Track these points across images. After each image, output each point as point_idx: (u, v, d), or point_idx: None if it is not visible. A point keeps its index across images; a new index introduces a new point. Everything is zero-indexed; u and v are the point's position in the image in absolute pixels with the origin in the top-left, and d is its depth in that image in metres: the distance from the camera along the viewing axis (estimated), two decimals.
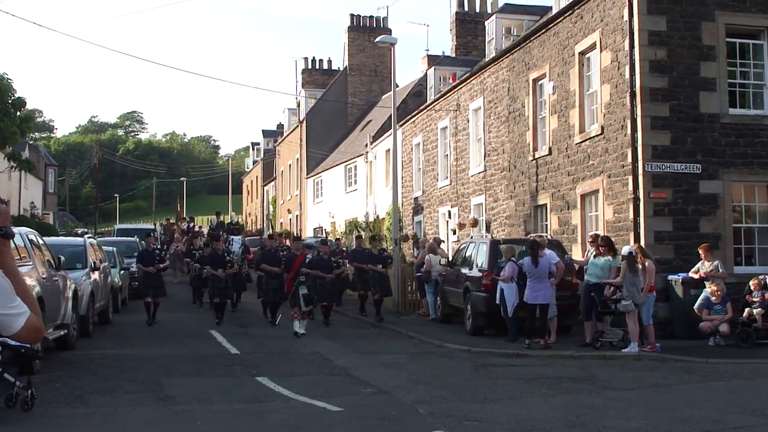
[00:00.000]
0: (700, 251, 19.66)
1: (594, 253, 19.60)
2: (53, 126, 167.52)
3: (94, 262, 21.46)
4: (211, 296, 24.60)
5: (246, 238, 36.47)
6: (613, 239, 21.23)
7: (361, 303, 26.70)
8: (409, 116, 41.45)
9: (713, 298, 19.18)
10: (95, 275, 21.16)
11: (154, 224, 57.83)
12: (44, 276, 15.66)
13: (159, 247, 26.88)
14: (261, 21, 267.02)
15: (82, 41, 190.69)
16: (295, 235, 37.26)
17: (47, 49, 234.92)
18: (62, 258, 17.72)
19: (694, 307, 19.30)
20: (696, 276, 19.58)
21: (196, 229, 42.62)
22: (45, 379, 13.52)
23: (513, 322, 19.86)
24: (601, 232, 21.66)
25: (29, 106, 33.70)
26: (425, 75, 45.94)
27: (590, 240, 20.85)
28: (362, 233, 33.43)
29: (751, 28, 21.82)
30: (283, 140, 70.92)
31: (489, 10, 43.86)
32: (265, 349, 18.81)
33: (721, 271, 19.48)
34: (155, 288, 23.47)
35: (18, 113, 33.46)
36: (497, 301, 20.00)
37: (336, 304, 25.85)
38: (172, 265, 33.97)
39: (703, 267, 19.54)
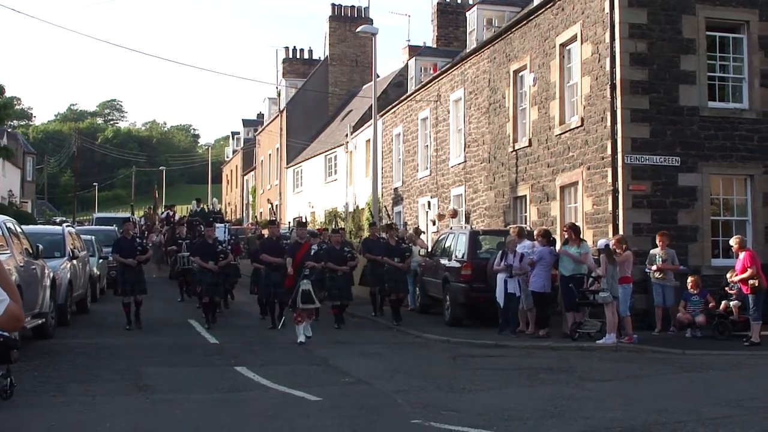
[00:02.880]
0: (658, 237, 19.74)
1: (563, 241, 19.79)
2: (32, 114, 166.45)
3: (73, 251, 21.37)
4: (199, 294, 21.24)
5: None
6: (592, 231, 21.38)
7: (374, 302, 23.76)
8: (390, 107, 41.45)
9: (690, 288, 19.31)
10: (73, 264, 21.06)
11: (132, 213, 57.04)
12: (22, 264, 15.61)
13: (139, 235, 25.13)
14: (242, 9, 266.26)
15: (61, 28, 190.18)
16: (300, 220, 32.90)
17: (26, 36, 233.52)
18: (40, 246, 17.65)
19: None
20: (654, 267, 19.62)
21: (177, 218, 40.83)
22: (23, 368, 13.48)
23: (516, 314, 19.91)
24: (579, 223, 21.78)
25: (7, 94, 33.41)
26: (406, 65, 45.93)
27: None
28: (375, 221, 30.13)
29: (731, 21, 21.92)
30: (263, 130, 70.86)
31: (470, 1, 43.92)
32: (244, 338, 18.80)
33: (675, 263, 19.65)
34: (134, 284, 20.27)
35: None
36: (508, 291, 19.70)
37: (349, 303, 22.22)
38: (153, 257, 32.46)
39: (658, 255, 19.61)
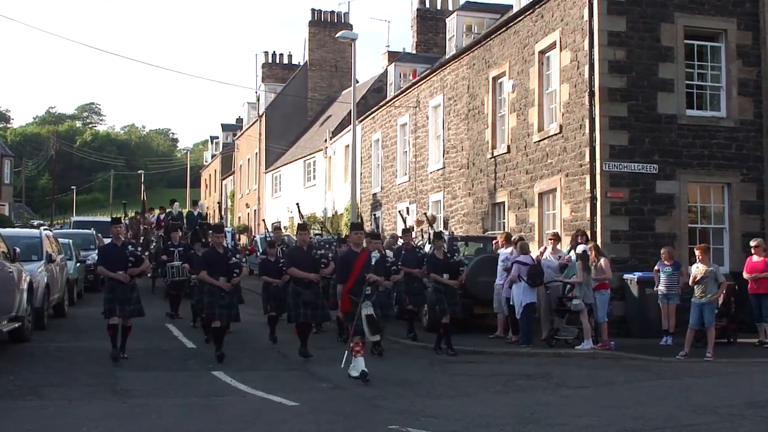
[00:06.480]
0: (698, 252, 17.68)
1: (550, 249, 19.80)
2: (9, 116, 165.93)
3: (50, 254, 21.22)
4: (206, 317, 17.05)
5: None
6: (570, 238, 21.43)
7: (411, 324, 19.99)
8: (369, 112, 41.48)
9: (665, 260, 18.94)
10: (51, 267, 20.90)
11: (111, 216, 56.06)
12: None
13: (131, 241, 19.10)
14: (222, 13, 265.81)
15: (40, 31, 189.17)
16: (353, 221, 27.91)
17: (4, 38, 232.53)
18: (17, 249, 17.52)
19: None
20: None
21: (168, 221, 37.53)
22: None
23: (526, 323, 18.80)
24: (558, 231, 21.82)
25: None
26: (385, 71, 45.99)
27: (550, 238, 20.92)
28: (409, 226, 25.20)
29: (709, 30, 22.06)
30: (242, 134, 70.84)
31: (450, 7, 44.12)
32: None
33: (719, 279, 17.47)
34: (125, 303, 15.84)
35: None
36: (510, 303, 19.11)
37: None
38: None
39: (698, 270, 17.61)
